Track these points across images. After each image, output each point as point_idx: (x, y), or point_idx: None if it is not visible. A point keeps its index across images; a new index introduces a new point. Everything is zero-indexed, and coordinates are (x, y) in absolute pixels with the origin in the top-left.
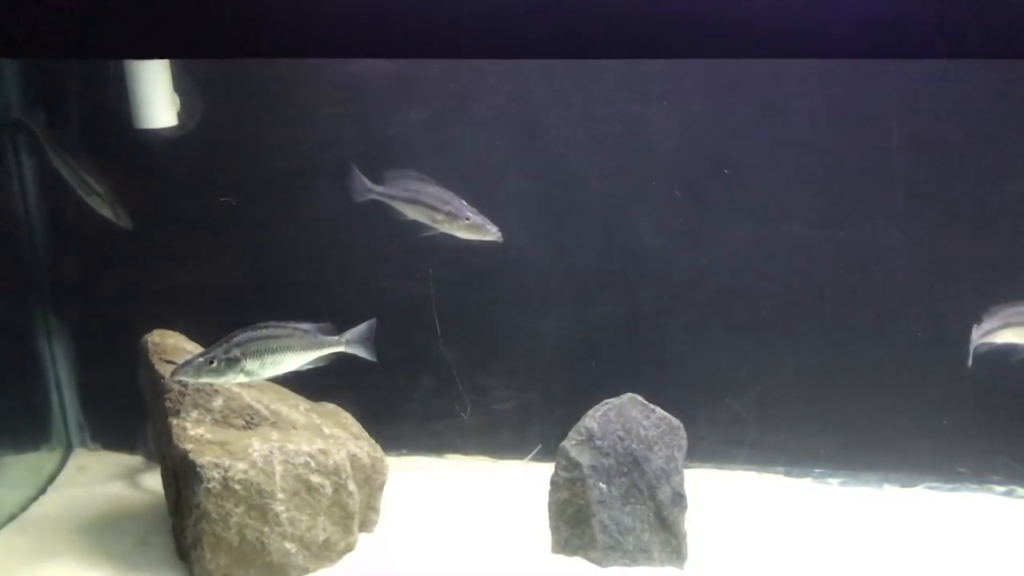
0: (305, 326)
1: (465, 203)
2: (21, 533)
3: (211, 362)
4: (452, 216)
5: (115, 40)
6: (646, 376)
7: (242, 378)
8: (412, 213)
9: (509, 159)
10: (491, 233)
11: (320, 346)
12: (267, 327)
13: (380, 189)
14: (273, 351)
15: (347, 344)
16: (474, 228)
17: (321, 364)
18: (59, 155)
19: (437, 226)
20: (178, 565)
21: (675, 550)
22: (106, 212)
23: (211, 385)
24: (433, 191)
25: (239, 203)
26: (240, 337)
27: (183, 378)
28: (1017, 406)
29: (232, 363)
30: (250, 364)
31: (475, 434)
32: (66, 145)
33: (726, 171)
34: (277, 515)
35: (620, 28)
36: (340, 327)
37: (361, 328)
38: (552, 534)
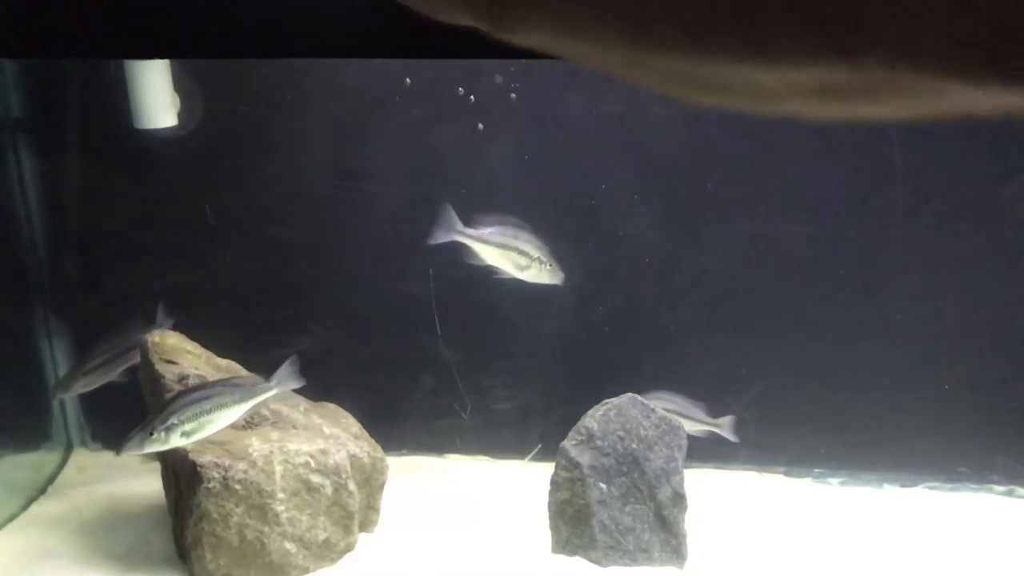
0: (236, 380)
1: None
2: (21, 533)
3: (151, 434)
4: (540, 262)
5: (115, 40)
6: (646, 376)
7: (184, 441)
8: (495, 258)
9: (509, 159)
10: (559, 277)
11: (253, 395)
12: (199, 389)
13: (471, 232)
14: (208, 411)
15: (278, 385)
16: (550, 273)
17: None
18: None
19: (516, 272)
20: (178, 565)
21: (675, 550)
22: None
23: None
24: (527, 236)
25: (215, 215)
26: (174, 405)
27: (129, 452)
28: (1017, 406)
29: (172, 430)
30: (189, 427)
31: (475, 434)
32: None
33: (709, 186)
34: (277, 515)
35: None
36: (340, 327)
37: (285, 367)
38: (552, 534)
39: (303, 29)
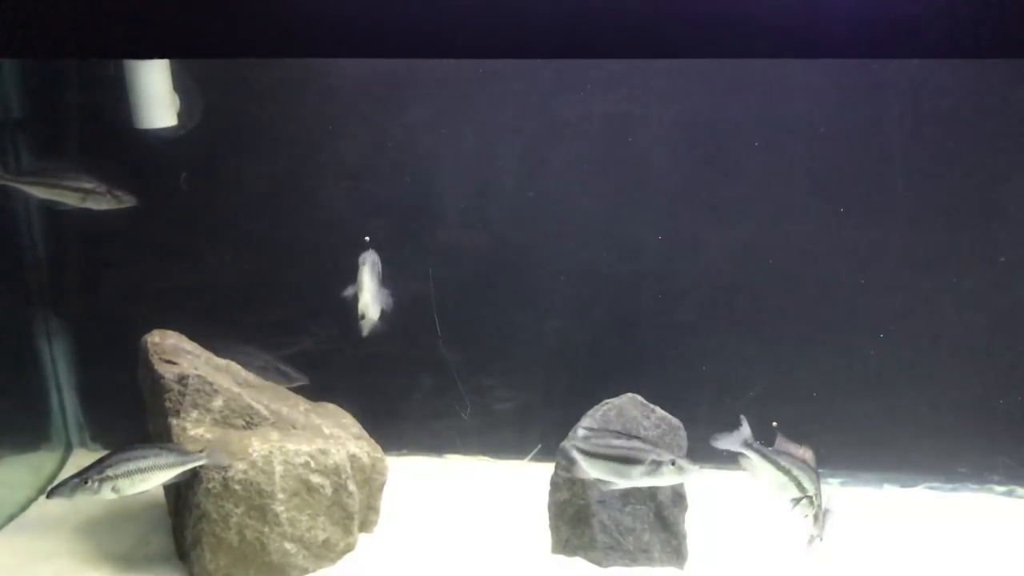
0: (172, 445)
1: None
2: (21, 533)
3: (85, 483)
4: (809, 502)
5: (115, 40)
6: (646, 376)
7: (113, 495)
8: (764, 478)
9: (510, 159)
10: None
11: (184, 463)
12: (137, 448)
13: (758, 447)
14: (143, 470)
15: (208, 457)
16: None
17: (182, 479)
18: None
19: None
20: (178, 565)
21: (675, 550)
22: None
23: (211, 386)
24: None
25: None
26: (112, 459)
27: (58, 498)
28: (1017, 406)
29: (105, 482)
30: (121, 482)
31: (475, 434)
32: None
33: (709, 186)
34: (277, 515)
35: (621, 28)
36: (340, 327)
37: (218, 441)
38: (552, 534)
39: (304, 29)
